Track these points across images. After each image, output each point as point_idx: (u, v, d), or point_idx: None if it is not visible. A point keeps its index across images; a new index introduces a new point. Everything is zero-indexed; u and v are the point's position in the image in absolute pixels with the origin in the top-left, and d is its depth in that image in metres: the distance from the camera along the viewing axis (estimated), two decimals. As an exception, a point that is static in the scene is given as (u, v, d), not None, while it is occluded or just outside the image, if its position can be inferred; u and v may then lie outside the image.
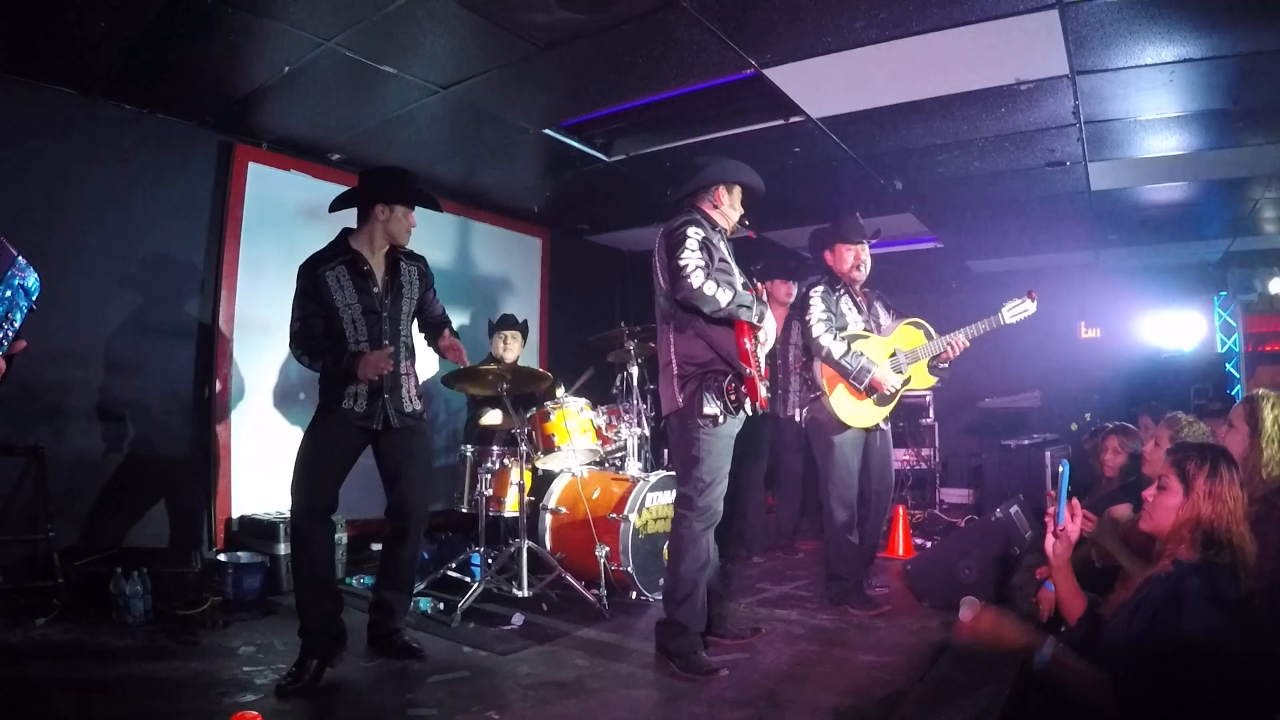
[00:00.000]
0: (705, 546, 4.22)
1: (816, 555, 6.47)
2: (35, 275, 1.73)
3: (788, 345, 6.98)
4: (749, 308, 4.11)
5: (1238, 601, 2.39)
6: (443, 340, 4.46)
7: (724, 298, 4.03)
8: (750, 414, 4.27)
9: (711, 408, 4.11)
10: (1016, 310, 5.15)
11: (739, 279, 4.30)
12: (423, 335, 4.56)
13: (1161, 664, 2.34)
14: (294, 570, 4.16)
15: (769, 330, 4.32)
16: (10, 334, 1.74)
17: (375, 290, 4.15)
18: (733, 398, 4.13)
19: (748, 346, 4.10)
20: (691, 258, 4.06)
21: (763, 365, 4.25)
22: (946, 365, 5.33)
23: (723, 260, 4.26)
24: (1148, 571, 2.64)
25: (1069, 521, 2.92)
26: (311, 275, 4.08)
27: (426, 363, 7.15)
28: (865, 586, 5.34)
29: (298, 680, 3.70)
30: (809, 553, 6.99)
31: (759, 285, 4.36)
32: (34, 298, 1.73)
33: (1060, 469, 2.97)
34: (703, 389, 4.14)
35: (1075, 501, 2.94)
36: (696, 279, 4.01)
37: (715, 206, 4.41)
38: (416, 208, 4.31)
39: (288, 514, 5.52)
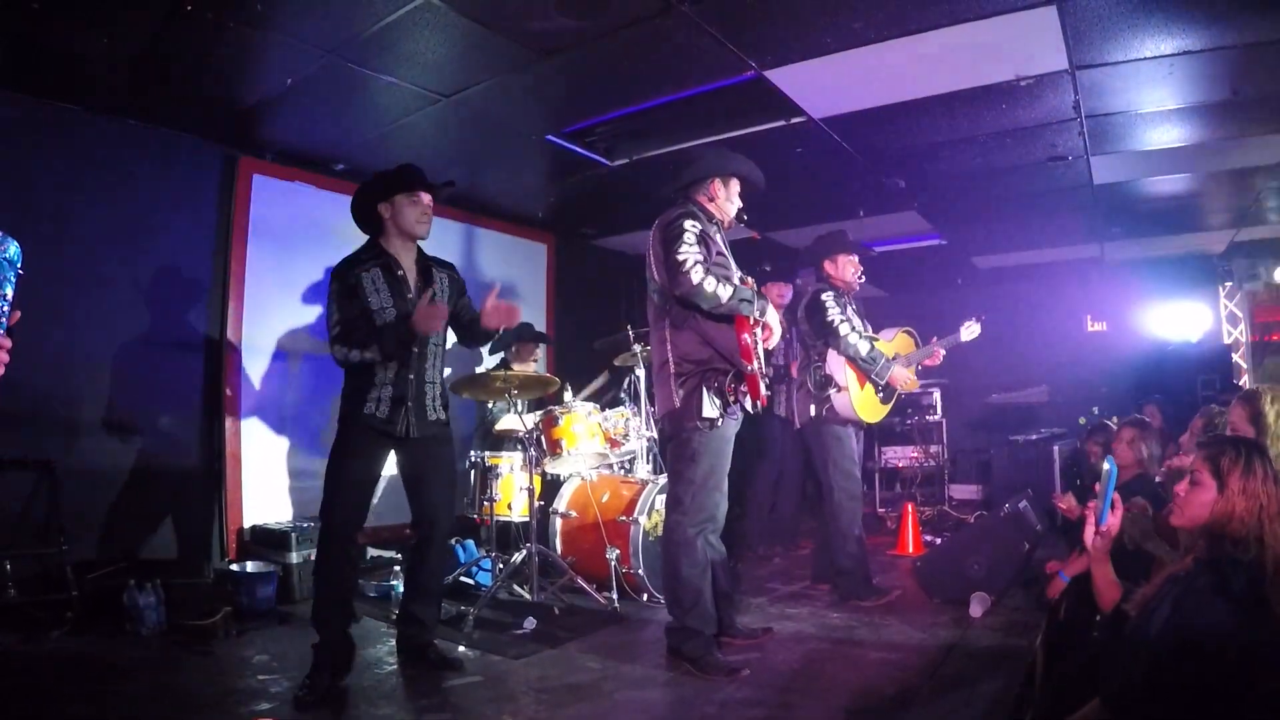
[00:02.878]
0: (701, 549, 4.15)
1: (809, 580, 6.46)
2: (15, 243, 1.74)
3: (787, 347, 7.06)
4: (750, 302, 4.04)
5: (1255, 598, 2.35)
6: (485, 305, 4.19)
7: (724, 293, 3.97)
8: (750, 412, 4.23)
9: (710, 410, 4.05)
10: (969, 331, 5.88)
11: (736, 273, 4.24)
12: (459, 337, 4.48)
13: (1178, 662, 2.34)
14: (319, 588, 4.03)
15: (773, 324, 4.23)
16: (5, 308, 1.76)
17: (409, 295, 4.07)
18: (733, 397, 4.07)
19: (748, 342, 4.02)
20: (690, 252, 3.98)
21: (764, 361, 4.18)
22: (920, 368, 5.89)
23: (720, 254, 4.20)
24: (1168, 570, 2.63)
25: (1111, 517, 2.90)
26: (346, 276, 4.01)
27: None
28: (872, 577, 5.46)
29: (314, 692, 3.67)
30: (814, 551, 6.98)
31: (749, 280, 4.23)
32: (18, 265, 1.75)
33: (1106, 466, 2.98)
34: (702, 389, 4.07)
35: (1118, 497, 2.94)
36: (696, 274, 3.94)
37: (711, 199, 4.35)
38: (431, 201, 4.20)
39: (299, 523, 5.59)
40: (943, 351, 5.79)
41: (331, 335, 4.00)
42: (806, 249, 5.91)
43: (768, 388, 4.23)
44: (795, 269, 7.54)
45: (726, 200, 4.39)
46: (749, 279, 4.21)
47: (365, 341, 3.92)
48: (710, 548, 4.28)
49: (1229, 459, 2.56)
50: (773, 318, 4.22)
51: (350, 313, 3.98)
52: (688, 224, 4.07)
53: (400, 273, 4.09)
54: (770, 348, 4.29)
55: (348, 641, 4.01)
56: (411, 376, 4.08)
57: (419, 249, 4.24)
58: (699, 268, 3.96)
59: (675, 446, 4.24)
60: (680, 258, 3.98)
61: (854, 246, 5.73)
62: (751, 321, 4.06)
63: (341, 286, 4.01)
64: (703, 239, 4.08)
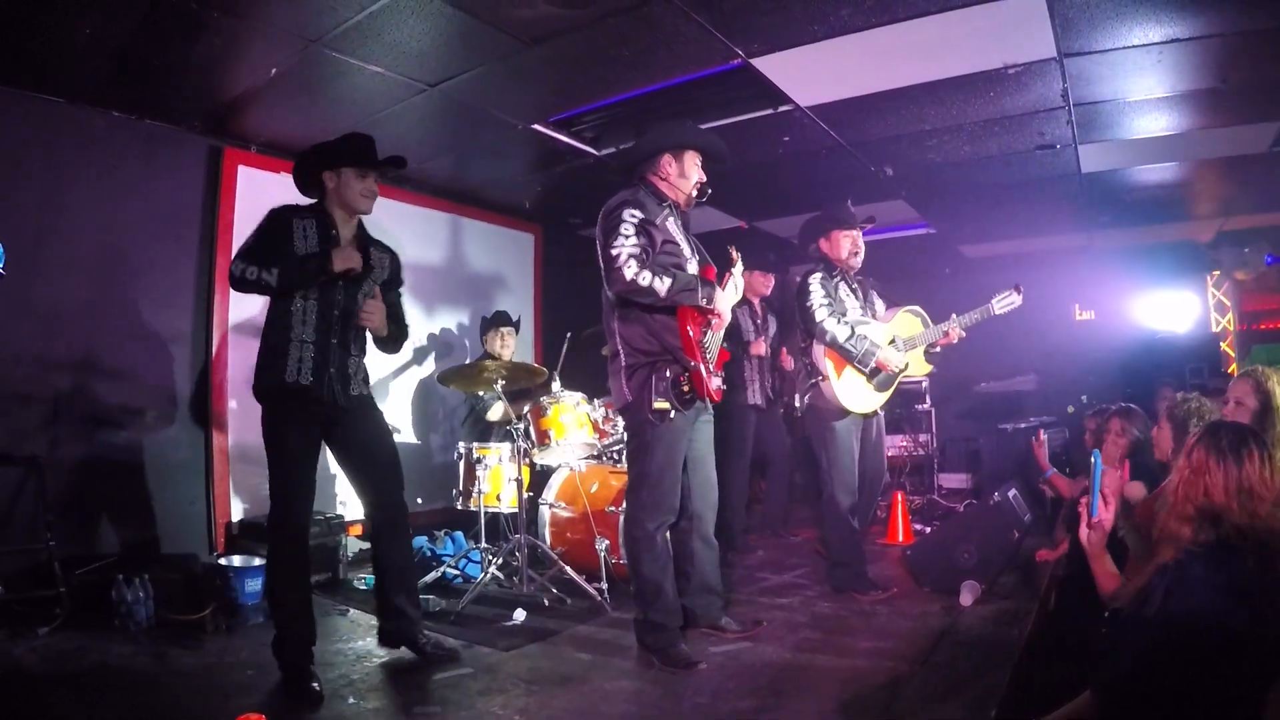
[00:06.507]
0: (662, 543, 4.13)
1: (815, 542, 6.46)
2: None
3: (765, 336, 7.06)
4: (693, 291, 3.92)
5: (1244, 584, 2.33)
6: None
7: (662, 286, 3.86)
8: (704, 405, 4.14)
9: (661, 403, 3.95)
10: (1005, 302, 5.23)
11: (691, 259, 4.15)
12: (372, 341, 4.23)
13: (1172, 651, 2.32)
14: (277, 586, 3.89)
15: (724, 310, 4.06)
16: None
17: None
18: (685, 390, 3.95)
19: (691, 335, 3.94)
20: (625, 245, 3.87)
21: (713, 352, 4.08)
22: (939, 350, 5.41)
23: (668, 241, 4.08)
24: (1158, 561, 2.59)
25: (1103, 511, 2.88)
26: (277, 218, 3.85)
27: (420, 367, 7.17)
28: (868, 571, 5.35)
29: (311, 697, 3.57)
30: (806, 540, 6.99)
31: (733, 253, 4.07)
32: (0, 264, 1.73)
33: (1092, 459, 2.95)
34: (652, 381, 3.98)
35: (1109, 492, 2.92)
36: (629, 269, 3.84)
37: (663, 178, 4.20)
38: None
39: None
40: (961, 331, 5.23)
41: (237, 251, 3.82)
42: (804, 225, 5.64)
43: (724, 382, 4.17)
44: (781, 260, 7.54)
45: (680, 177, 4.21)
46: (736, 253, 4.06)
47: (269, 262, 3.73)
48: (704, 538, 4.33)
49: (1203, 445, 2.57)
50: (723, 302, 4.04)
51: (266, 244, 3.80)
52: (626, 214, 3.95)
53: (334, 231, 3.93)
54: (719, 332, 4.14)
55: (308, 649, 3.82)
56: (335, 342, 3.90)
57: (360, 224, 4.10)
58: (633, 262, 3.86)
59: (630, 440, 4.22)
60: (614, 252, 3.88)
61: (851, 220, 5.36)
62: (699, 310, 3.98)
63: (270, 223, 3.86)
64: (643, 229, 3.96)
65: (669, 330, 4.01)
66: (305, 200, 4.10)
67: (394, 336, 4.21)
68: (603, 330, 5.99)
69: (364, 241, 4.08)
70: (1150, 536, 2.88)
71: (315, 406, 3.86)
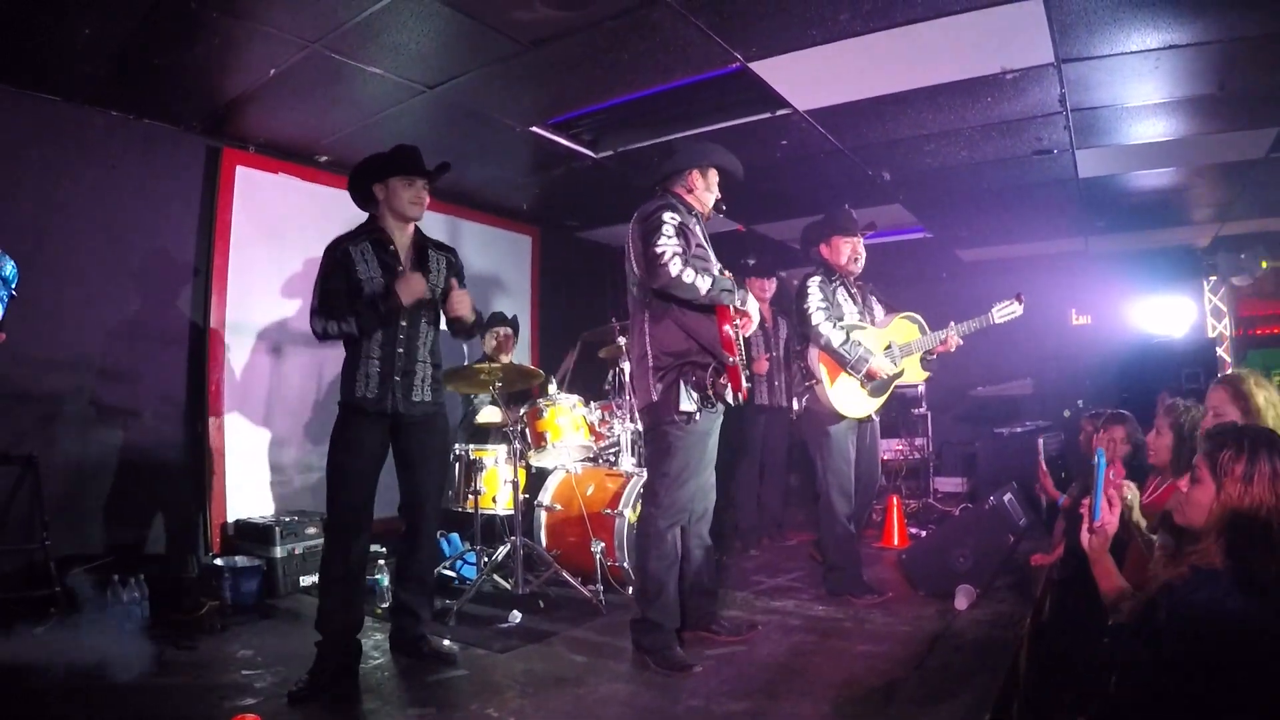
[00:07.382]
0: (671, 543, 4.16)
1: (810, 546, 6.46)
2: (11, 263, 1.72)
3: (777, 339, 7.07)
4: (730, 291, 4.03)
5: (1247, 609, 2.20)
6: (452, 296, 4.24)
7: (704, 285, 3.94)
8: (731, 404, 4.20)
9: (688, 404, 4.03)
10: (1005, 311, 5.30)
11: (716, 264, 4.24)
12: (448, 327, 4.41)
13: (1178, 668, 2.26)
14: (321, 577, 4.08)
15: (752, 313, 4.19)
16: None
17: (400, 268, 4.07)
18: (712, 390, 4.05)
19: (729, 333, 4.01)
20: (669, 244, 3.96)
21: (746, 352, 4.17)
22: (934, 358, 5.45)
23: (699, 245, 4.20)
24: (1165, 576, 2.46)
25: (1106, 514, 2.77)
26: (335, 252, 4.04)
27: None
28: (863, 574, 5.35)
29: (309, 689, 3.64)
30: (802, 543, 6.99)
31: (727, 273, 4.22)
32: (12, 285, 1.73)
33: (1095, 460, 2.88)
34: (680, 383, 4.06)
35: (1113, 494, 2.85)
36: (674, 266, 3.92)
37: (690, 191, 4.33)
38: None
39: (283, 517, 5.58)
40: (958, 339, 5.29)
41: (311, 310, 4.02)
42: (805, 229, 5.70)
43: (748, 379, 4.21)
44: (777, 264, 7.55)
45: (705, 191, 4.37)
46: (727, 271, 4.20)
47: (343, 313, 3.94)
48: (700, 540, 4.36)
49: (1230, 452, 2.38)
50: (752, 306, 4.19)
51: (335, 285, 4.00)
52: (666, 216, 4.05)
53: (392, 248, 4.10)
54: (748, 335, 4.25)
55: (352, 641, 3.95)
56: (400, 351, 4.06)
57: (417, 230, 4.25)
58: (678, 260, 3.94)
59: (652, 440, 4.27)
60: (659, 250, 3.96)
61: (852, 227, 5.42)
62: (733, 312, 4.06)
63: (330, 261, 4.03)
64: (681, 231, 4.06)
65: (706, 329, 4.10)
66: (343, 226, 4.25)
67: (475, 324, 4.44)
68: (600, 332, 6.01)
69: (421, 247, 4.24)
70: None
71: (379, 418, 4.04)
